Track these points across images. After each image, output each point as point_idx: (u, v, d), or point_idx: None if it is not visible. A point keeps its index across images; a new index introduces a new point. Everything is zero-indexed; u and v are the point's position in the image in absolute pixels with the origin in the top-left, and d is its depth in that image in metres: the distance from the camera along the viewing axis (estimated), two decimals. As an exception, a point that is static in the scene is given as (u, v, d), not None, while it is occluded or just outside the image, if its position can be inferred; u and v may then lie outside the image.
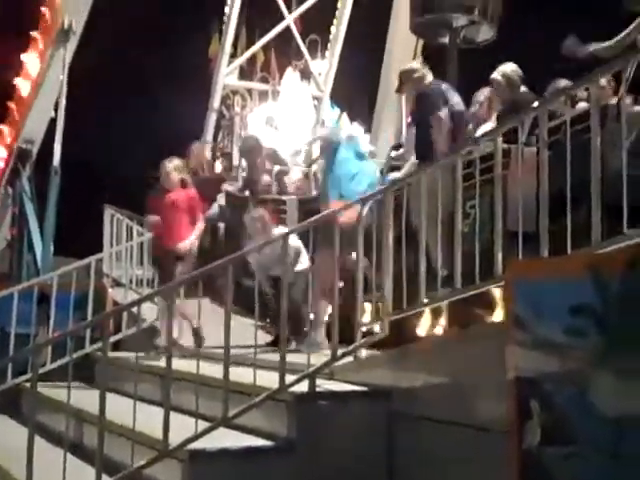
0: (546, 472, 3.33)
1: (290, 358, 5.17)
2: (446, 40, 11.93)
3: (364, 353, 5.43)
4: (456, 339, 5.09)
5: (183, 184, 7.77)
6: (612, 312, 3.35)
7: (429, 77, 6.63)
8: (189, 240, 7.57)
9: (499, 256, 4.62)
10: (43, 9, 13.30)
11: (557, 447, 3.33)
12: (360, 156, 7.48)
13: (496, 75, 6.63)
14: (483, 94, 7.09)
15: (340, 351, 5.18)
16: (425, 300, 5.12)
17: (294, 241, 7.04)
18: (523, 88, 6.61)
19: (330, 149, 7.31)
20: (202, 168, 9.80)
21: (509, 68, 6.67)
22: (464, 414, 4.40)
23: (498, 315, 5.32)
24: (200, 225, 7.79)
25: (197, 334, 7.23)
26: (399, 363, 5.14)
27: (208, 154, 9.55)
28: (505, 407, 3.54)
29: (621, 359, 3.33)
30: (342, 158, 7.16)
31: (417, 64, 7.10)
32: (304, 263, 7.32)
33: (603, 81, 5.57)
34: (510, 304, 3.64)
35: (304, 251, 7.41)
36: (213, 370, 5.56)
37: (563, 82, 6.35)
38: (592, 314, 3.38)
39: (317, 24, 15.71)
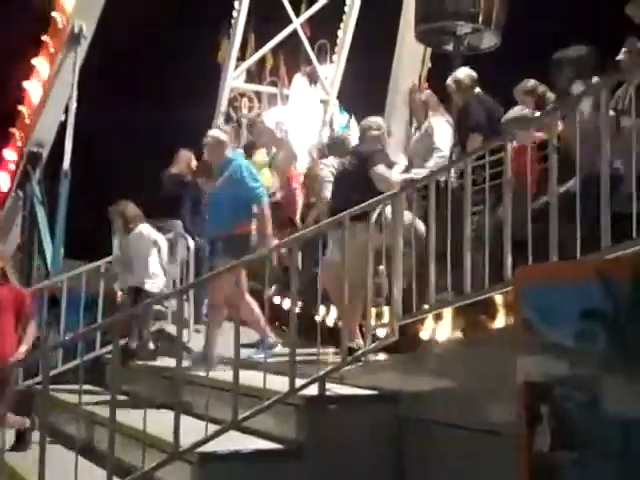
0: (557, 476, 3.34)
1: (300, 362, 5.20)
2: (450, 47, 11.94)
3: (374, 357, 5.46)
4: (466, 344, 5.11)
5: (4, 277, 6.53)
6: (621, 316, 3.36)
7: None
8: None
9: (508, 261, 4.65)
10: (54, 13, 13.36)
11: (567, 452, 3.34)
12: None
13: (448, 81, 6.81)
14: None
15: (350, 355, 5.21)
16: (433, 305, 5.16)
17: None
18: (477, 90, 6.75)
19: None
20: (188, 174, 9.52)
21: (462, 72, 7.06)
22: (474, 418, 4.42)
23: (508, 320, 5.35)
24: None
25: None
26: (408, 367, 5.16)
27: (194, 163, 9.38)
28: (515, 411, 3.56)
29: (631, 364, 3.34)
30: None
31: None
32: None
33: None
34: (519, 309, 3.65)
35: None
36: (223, 374, 5.60)
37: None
38: (601, 319, 3.39)
39: (326, 29, 15.75)
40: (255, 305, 6.63)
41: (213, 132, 7.33)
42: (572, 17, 13.70)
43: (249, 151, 10.12)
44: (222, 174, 6.85)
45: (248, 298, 6.62)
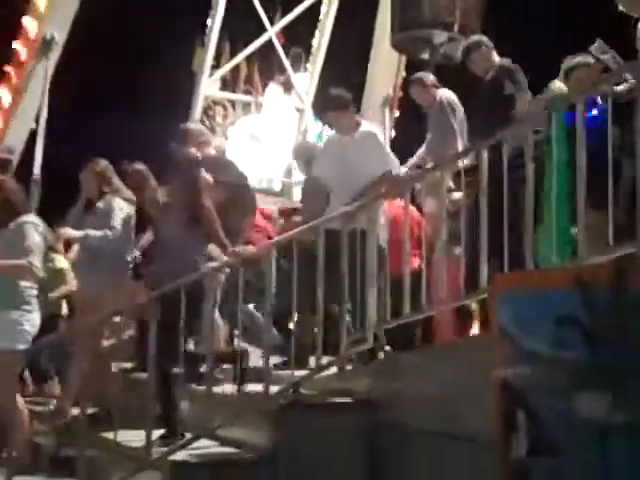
0: (533, 483, 3.33)
1: (275, 370, 5.16)
2: (426, 56, 11.99)
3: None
4: (442, 351, 5.10)
5: None
6: (598, 324, 3.36)
7: None
8: None
9: (484, 269, 4.64)
10: (25, 20, 13.26)
11: (544, 458, 3.33)
12: None
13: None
14: None
15: (324, 362, 5.18)
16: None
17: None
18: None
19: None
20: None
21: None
22: (449, 425, 4.40)
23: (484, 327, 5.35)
24: None
25: None
26: (384, 374, 5.14)
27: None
28: (491, 418, 3.55)
29: (605, 371, 3.34)
30: None
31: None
32: None
33: None
34: (495, 316, 3.64)
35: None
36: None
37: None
38: (578, 326, 3.39)
39: (300, 37, 15.76)
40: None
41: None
42: (552, 28, 13.84)
43: None
44: None
45: None
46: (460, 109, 7.20)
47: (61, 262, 8.37)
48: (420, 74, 7.75)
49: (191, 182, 6.03)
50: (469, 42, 6.88)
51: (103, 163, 6.71)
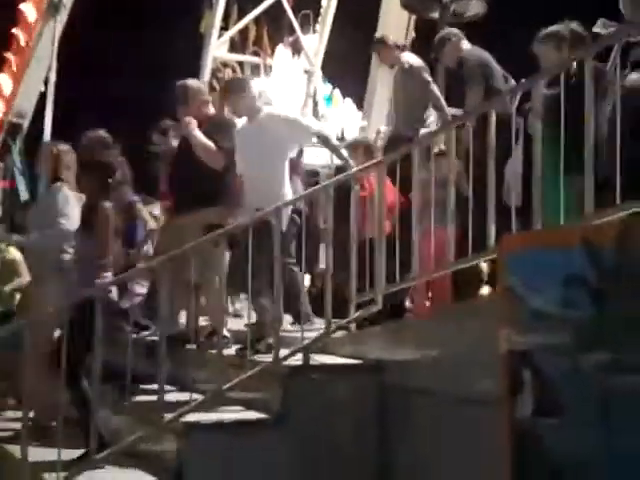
0: (538, 443, 3.35)
1: (285, 332, 5.20)
2: (436, 15, 11.90)
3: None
4: (450, 312, 5.12)
5: None
6: (605, 283, 3.37)
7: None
8: None
9: (492, 229, 4.64)
10: (32, -18, 13.21)
11: (549, 418, 3.35)
12: None
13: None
14: None
15: (333, 325, 5.21)
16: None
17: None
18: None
19: None
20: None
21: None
22: (457, 387, 4.43)
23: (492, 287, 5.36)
24: None
25: None
26: (393, 336, 5.17)
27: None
28: (498, 379, 3.57)
29: (613, 331, 3.35)
30: None
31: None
32: None
33: None
34: (503, 276, 3.65)
35: None
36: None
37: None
38: (585, 286, 3.39)
39: (309, -1, 15.65)
40: None
41: None
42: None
43: None
44: None
45: None
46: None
47: (12, 253, 8.03)
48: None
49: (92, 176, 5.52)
50: (437, 38, 7.02)
51: (64, 147, 6.25)
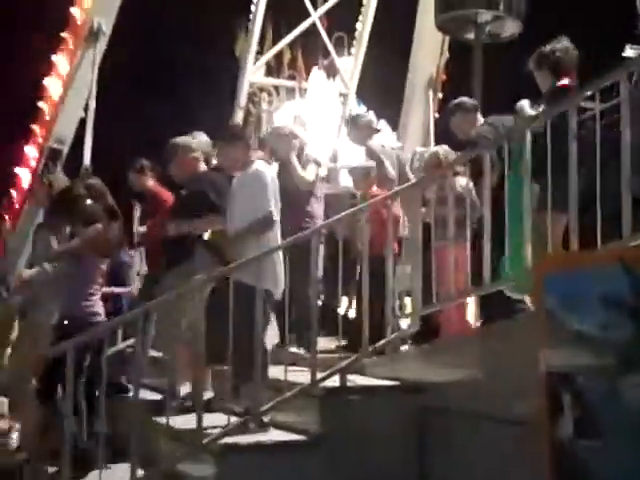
0: (579, 465, 3.33)
1: (322, 355, 5.21)
2: (471, 36, 11.91)
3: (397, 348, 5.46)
4: (488, 333, 5.10)
5: None
6: (644, 305, 3.34)
7: None
8: None
9: (528, 249, 4.63)
10: (73, 10, 13.43)
11: (589, 440, 3.33)
12: None
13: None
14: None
15: (371, 347, 5.21)
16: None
17: None
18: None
19: None
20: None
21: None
22: (496, 408, 4.41)
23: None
24: None
25: None
26: (430, 357, 5.16)
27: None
28: (537, 401, 3.55)
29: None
30: None
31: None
32: None
33: None
34: (541, 298, 3.64)
35: None
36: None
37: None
38: (624, 307, 3.37)
39: (343, 21, 15.70)
40: None
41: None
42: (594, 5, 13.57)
43: None
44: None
45: None
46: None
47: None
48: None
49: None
50: (450, 105, 6.75)
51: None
